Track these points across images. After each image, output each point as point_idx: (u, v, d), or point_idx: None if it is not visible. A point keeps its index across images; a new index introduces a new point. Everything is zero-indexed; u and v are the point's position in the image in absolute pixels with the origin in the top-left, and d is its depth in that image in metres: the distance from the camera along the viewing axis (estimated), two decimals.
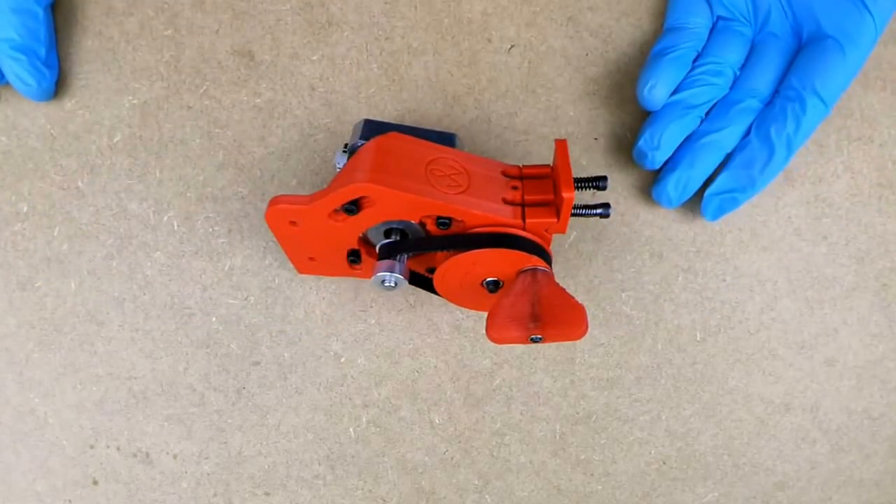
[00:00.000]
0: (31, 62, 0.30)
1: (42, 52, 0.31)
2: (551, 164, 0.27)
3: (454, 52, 0.33)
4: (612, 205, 0.28)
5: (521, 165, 0.28)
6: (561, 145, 0.26)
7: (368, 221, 0.26)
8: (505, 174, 0.27)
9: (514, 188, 0.27)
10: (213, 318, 0.33)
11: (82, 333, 0.33)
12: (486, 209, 0.25)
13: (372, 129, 0.28)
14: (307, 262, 0.30)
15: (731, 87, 0.31)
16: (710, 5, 0.31)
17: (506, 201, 0.26)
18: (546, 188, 0.27)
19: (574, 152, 0.34)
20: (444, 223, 0.26)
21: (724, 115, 0.31)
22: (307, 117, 0.33)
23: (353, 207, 0.25)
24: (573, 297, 0.24)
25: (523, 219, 0.26)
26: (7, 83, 0.31)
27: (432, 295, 0.33)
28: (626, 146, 0.34)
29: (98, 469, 0.34)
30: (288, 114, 0.33)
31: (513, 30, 0.33)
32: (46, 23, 0.31)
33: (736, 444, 0.35)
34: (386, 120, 0.32)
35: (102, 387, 0.34)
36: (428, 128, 0.29)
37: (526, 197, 0.26)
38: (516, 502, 0.35)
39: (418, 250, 0.27)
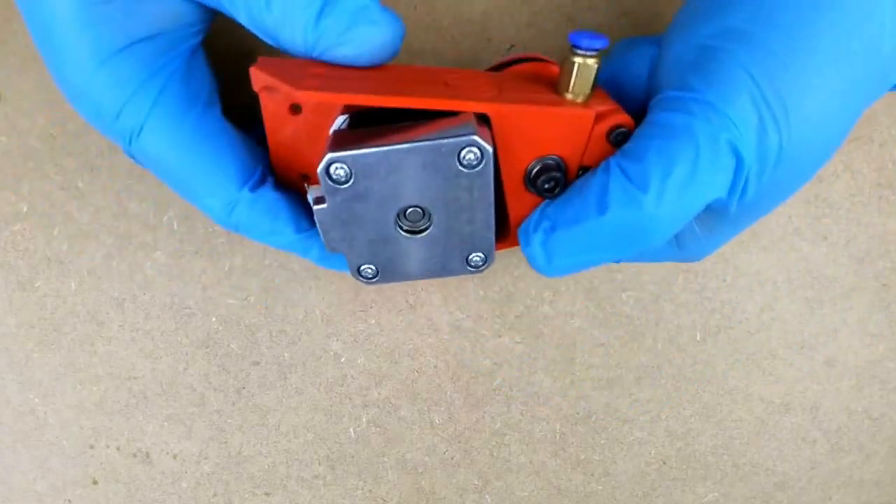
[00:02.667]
0: None
1: None
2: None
3: (454, 52, 0.33)
4: None
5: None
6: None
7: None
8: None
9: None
10: (213, 318, 0.33)
11: (82, 333, 0.33)
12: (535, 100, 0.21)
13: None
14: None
15: None
16: None
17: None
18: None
19: None
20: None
21: None
22: None
23: None
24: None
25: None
26: None
27: (432, 294, 0.33)
28: None
29: (98, 469, 0.34)
30: None
31: (513, 30, 0.33)
32: None
33: (736, 444, 0.35)
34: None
35: (102, 387, 0.34)
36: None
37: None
38: (516, 502, 0.35)
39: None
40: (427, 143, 0.19)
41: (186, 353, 0.33)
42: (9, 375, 0.34)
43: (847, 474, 0.36)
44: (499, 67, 0.25)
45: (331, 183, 0.19)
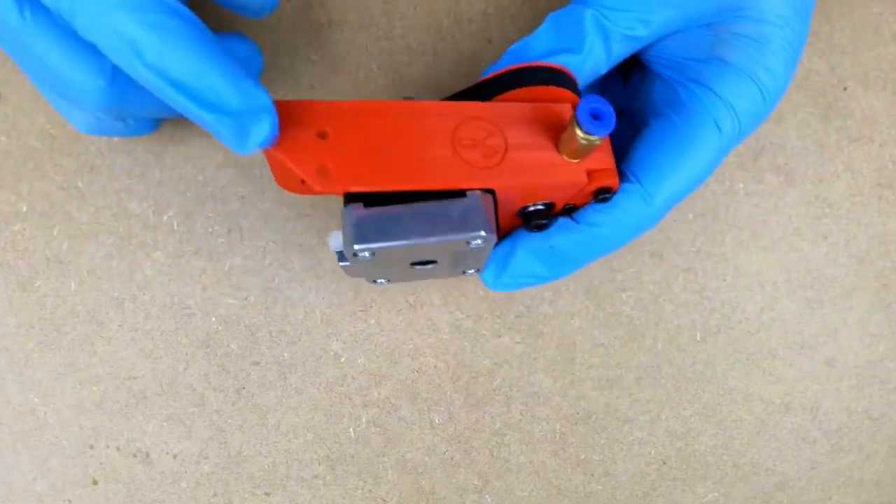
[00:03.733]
0: None
1: None
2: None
3: (454, 52, 0.33)
4: None
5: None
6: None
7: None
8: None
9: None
10: (213, 318, 0.33)
11: (82, 333, 0.33)
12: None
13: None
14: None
15: None
16: None
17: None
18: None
19: None
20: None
21: None
22: None
23: None
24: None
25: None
26: None
27: (432, 295, 0.33)
28: None
29: (98, 469, 0.34)
30: None
31: (513, 30, 0.33)
32: None
33: (736, 444, 0.35)
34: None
35: (102, 387, 0.34)
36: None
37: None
38: (516, 502, 0.35)
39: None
40: (443, 237, 0.21)
41: (186, 353, 0.33)
42: (9, 375, 0.34)
43: (847, 474, 0.36)
44: (505, 77, 0.25)
45: (356, 258, 0.22)
